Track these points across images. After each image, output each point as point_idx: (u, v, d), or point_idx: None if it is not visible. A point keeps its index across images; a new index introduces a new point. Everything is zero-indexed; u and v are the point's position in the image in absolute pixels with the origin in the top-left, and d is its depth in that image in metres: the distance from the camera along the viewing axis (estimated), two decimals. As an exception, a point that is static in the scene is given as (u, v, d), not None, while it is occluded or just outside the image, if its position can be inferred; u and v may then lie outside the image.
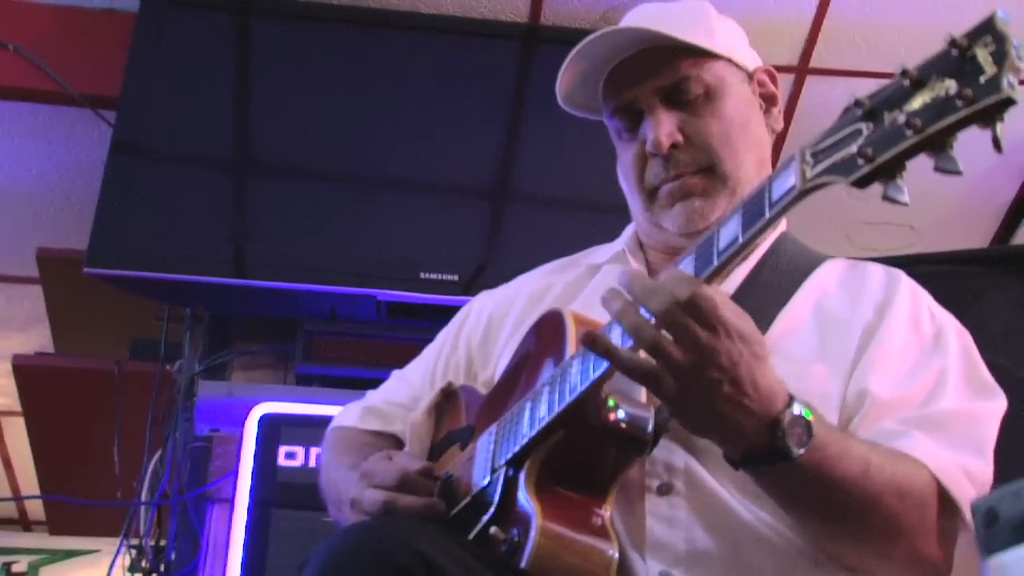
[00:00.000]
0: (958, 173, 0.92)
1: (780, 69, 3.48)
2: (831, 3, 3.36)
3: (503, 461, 1.28)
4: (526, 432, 1.25)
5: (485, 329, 1.62)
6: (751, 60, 1.56)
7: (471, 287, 2.90)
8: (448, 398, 1.56)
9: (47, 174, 3.68)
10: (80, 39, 3.33)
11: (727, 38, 1.53)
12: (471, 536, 1.28)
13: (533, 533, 1.17)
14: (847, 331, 1.37)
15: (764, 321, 1.35)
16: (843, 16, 3.39)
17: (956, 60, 0.92)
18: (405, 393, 1.67)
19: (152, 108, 3.06)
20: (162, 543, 2.97)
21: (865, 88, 0.99)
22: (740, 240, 1.08)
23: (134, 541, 3.01)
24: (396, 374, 1.75)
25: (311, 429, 2.70)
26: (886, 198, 0.95)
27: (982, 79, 0.89)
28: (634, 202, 1.54)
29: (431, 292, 2.90)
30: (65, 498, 3.95)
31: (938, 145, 0.92)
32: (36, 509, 5.88)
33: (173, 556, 2.83)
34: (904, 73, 0.95)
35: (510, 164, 3.24)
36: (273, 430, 2.71)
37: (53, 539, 5.68)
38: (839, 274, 1.47)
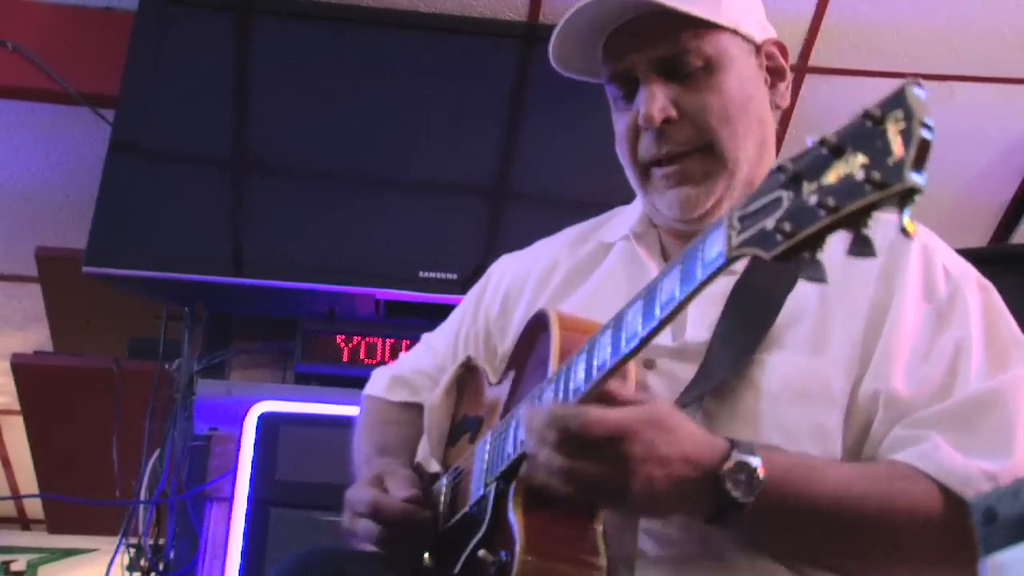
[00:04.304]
0: (871, 255, 0.89)
1: (779, 68, 3.50)
2: (830, 2, 3.36)
3: (494, 476, 1.28)
4: (510, 452, 1.25)
5: (503, 302, 1.60)
6: (761, 31, 1.47)
7: (469, 286, 2.89)
8: (470, 371, 1.54)
9: (46, 173, 3.68)
10: (79, 38, 3.33)
11: (735, 7, 1.44)
12: (465, 555, 1.28)
13: (518, 553, 1.17)
14: (850, 312, 1.30)
15: (773, 307, 1.30)
16: (842, 15, 3.39)
17: (869, 132, 0.86)
18: (431, 363, 1.67)
19: (151, 107, 3.06)
20: (161, 542, 2.97)
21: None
22: (678, 298, 1.04)
23: (133, 540, 3.01)
24: (424, 339, 1.75)
25: (310, 428, 2.71)
26: (804, 277, 0.92)
27: (890, 161, 0.84)
28: (631, 176, 1.48)
29: (430, 291, 2.91)
30: (64, 497, 3.94)
31: (852, 225, 0.88)
32: (35, 508, 5.88)
33: (172, 555, 2.83)
34: (823, 142, 0.90)
35: (509, 163, 3.24)
36: (272, 429, 2.71)
37: (52, 538, 5.69)
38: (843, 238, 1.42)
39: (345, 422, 2.78)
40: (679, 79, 1.39)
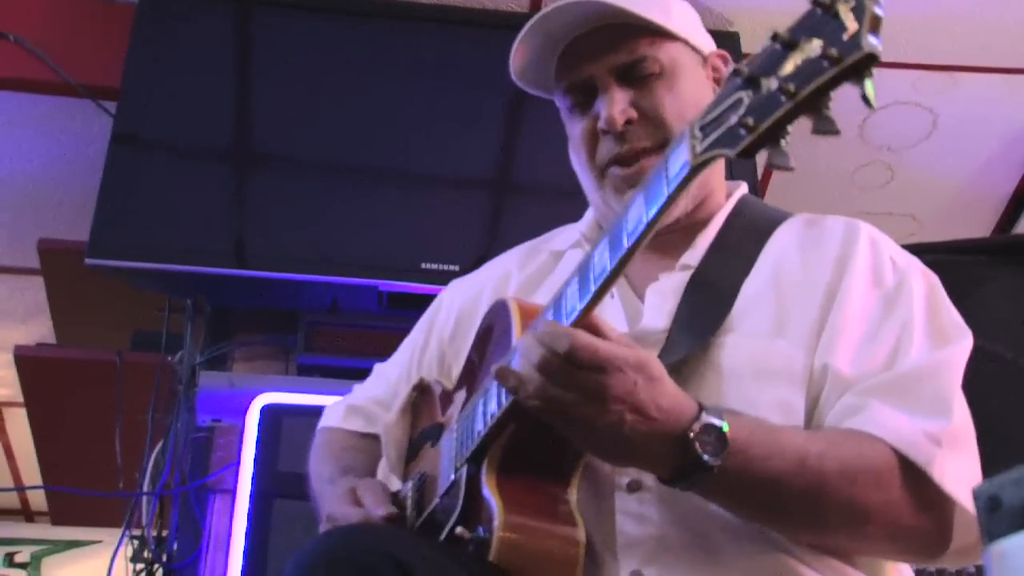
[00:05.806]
0: (835, 133, 0.90)
1: (782, 59, 3.49)
2: (832, -7, 3.35)
3: (463, 459, 1.28)
4: (480, 429, 1.25)
5: (455, 324, 1.61)
6: (706, 44, 1.54)
7: (472, 277, 2.90)
8: (423, 393, 1.56)
9: (48, 165, 3.68)
10: (81, 29, 3.33)
11: (684, 20, 1.51)
12: (443, 537, 1.27)
13: (496, 527, 1.16)
14: (807, 296, 1.35)
15: (729, 296, 1.36)
16: (845, 6, 3.38)
17: (821, 18, 0.90)
18: (384, 390, 1.68)
19: (153, 99, 3.05)
20: (164, 534, 2.97)
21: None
22: (645, 221, 1.07)
23: (136, 532, 3.01)
24: (377, 370, 1.76)
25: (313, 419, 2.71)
26: (771, 165, 0.94)
27: (845, 36, 0.88)
28: (586, 180, 1.52)
29: (432, 282, 2.90)
30: (67, 489, 3.95)
31: (814, 107, 0.91)
32: (38, 500, 5.90)
33: (175, 547, 2.83)
34: (775, 37, 0.94)
35: (511, 154, 3.24)
36: (274, 421, 2.72)
37: (55, 529, 5.71)
38: (798, 234, 1.45)
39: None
40: (636, 84, 1.45)
